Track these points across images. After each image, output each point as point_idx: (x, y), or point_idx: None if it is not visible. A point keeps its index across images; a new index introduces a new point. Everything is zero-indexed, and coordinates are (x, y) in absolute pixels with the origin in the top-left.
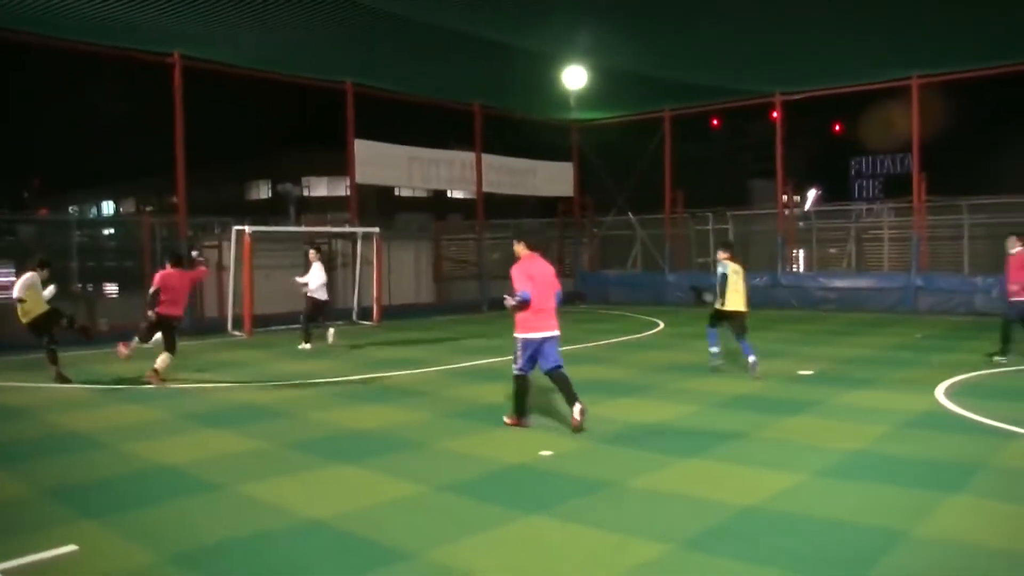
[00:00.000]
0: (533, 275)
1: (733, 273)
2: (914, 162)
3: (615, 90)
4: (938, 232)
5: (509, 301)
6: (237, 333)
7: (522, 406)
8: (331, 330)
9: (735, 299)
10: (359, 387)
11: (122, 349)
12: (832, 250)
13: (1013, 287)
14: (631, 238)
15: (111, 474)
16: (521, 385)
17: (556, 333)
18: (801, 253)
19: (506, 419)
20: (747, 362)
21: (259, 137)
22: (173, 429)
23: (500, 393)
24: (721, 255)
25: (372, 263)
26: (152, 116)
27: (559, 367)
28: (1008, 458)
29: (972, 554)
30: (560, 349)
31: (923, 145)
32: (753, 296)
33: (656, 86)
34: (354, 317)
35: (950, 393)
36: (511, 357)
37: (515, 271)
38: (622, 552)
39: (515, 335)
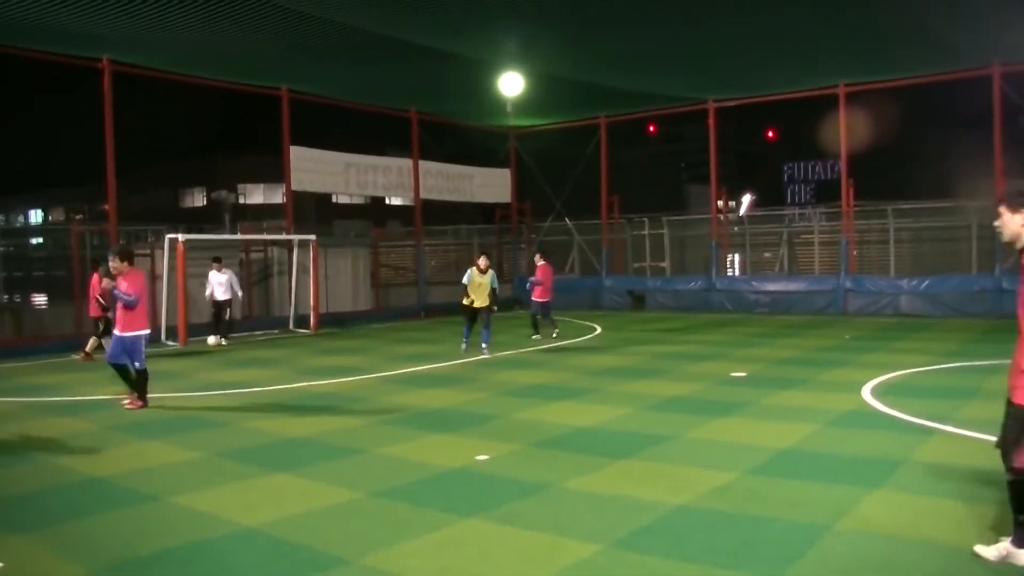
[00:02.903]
0: None
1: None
2: (842, 168)
3: (552, 96)
4: (866, 236)
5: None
6: (171, 343)
7: None
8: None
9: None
10: (295, 395)
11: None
12: (766, 254)
13: None
14: (568, 243)
15: (40, 487)
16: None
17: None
18: (736, 257)
19: None
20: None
21: (193, 143)
22: (105, 441)
23: (438, 399)
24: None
25: (309, 271)
26: (82, 122)
27: None
28: (928, 453)
29: (892, 545)
30: (498, 354)
31: (852, 152)
32: (688, 300)
33: (592, 92)
34: (291, 325)
35: (876, 392)
36: (449, 363)
37: None
38: (555, 553)
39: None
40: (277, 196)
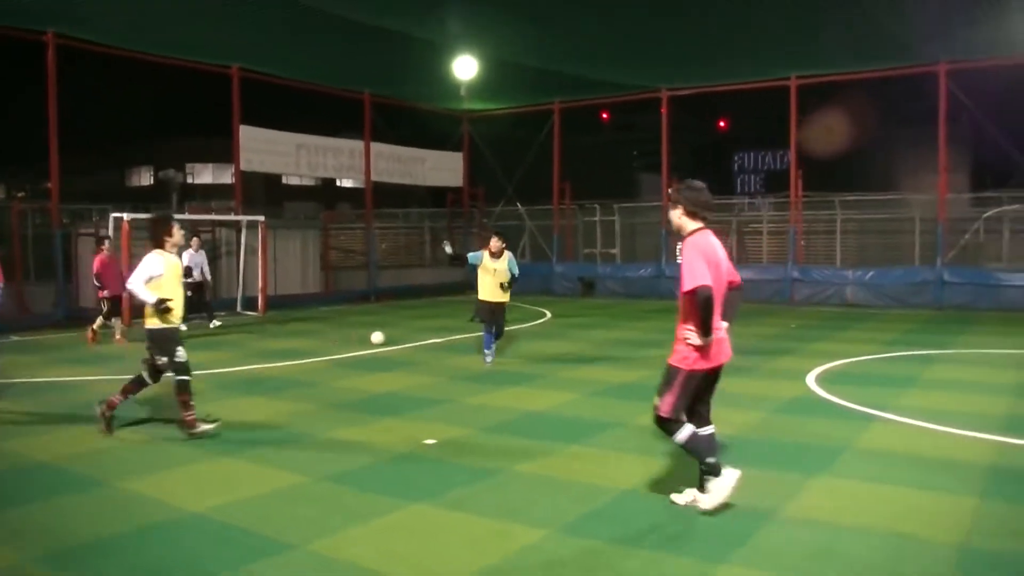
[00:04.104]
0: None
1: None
2: (791, 159)
3: (506, 81)
4: (813, 227)
5: None
6: (115, 323)
7: None
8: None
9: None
10: (243, 379)
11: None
12: None
13: None
14: (520, 228)
15: None
16: None
17: None
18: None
19: None
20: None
21: (141, 122)
22: (48, 425)
23: (388, 383)
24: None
25: (257, 252)
26: (26, 98)
27: None
28: (869, 440)
29: (833, 531)
30: (450, 339)
31: (800, 143)
32: (638, 287)
33: (547, 78)
34: (238, 308)
35: (820, 380)
36: (400, 347)
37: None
38: (503, 538)
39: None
40: (226, 176)
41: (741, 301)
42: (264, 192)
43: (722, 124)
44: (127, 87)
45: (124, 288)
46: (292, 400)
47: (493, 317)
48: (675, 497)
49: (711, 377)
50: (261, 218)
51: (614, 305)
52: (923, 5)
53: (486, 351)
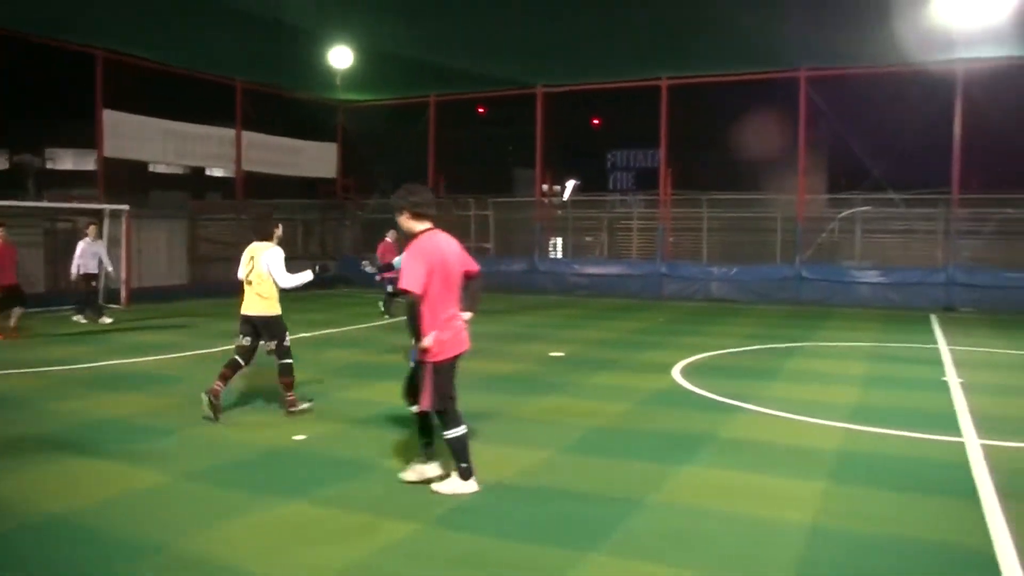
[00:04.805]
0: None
1: None
2: (661, 158)
3: (382, 72)
4: (681, 224)
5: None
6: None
7: None
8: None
9: None
10: (104, 374)
11: None
12: (587, 238)
13: None
14: (394, 221)
15: None
16: None
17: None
18: (559, 240)
19: None
20: None
21: None
22: None
23: (255, 378)
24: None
25: (121, 243)
26: None
27: None
28: (731, 430)
29: (695, 516)
30: (321, 332)
31: (671, 142)
32: (512, 282)
33: (424, 71)
34: (100, 299)
35: (686, 372)
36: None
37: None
38: (372, 532)
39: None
40: (89, 163)
41: (482, 290)
42: (129, 180)
43: (596, 122)
44: None
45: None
46: (156, 396)
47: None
48: (406, 476)
49: (453, 365)
50: (125, 207)
51: (487, 299)
52: (785, 13)
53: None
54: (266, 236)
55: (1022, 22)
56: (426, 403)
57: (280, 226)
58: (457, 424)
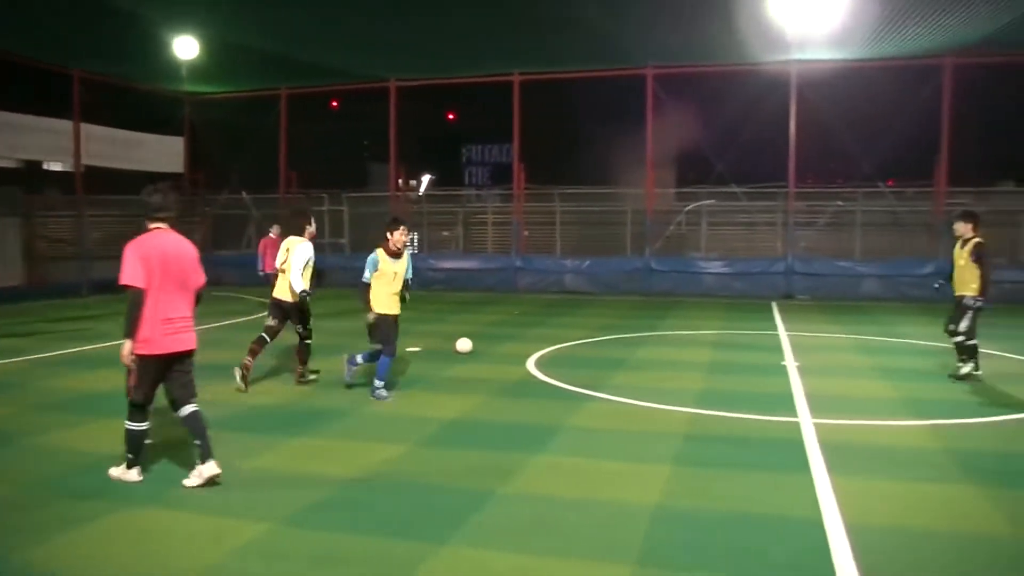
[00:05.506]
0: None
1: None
2: (515, 153)
3: (230, 63)
4: (535, 218)
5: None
6: None
7: None
8: None
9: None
10: None
11: None
12: (444, 233)
13: None
14: (246, 217)
15: None
16: None
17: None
18: (415, 235)
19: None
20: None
21: None
22: None
23: (99, 383)
24: None
25: None
26: None
27: None
28: (583, 418)
29: (548, 504)
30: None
31: (523, 137)
32: None
33: (274, 63)
34: None
35: (540, 363)
36: (113, 343)
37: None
38: (224, 535)
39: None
40: None
41: (201, 299)
42: None
43: (451, 116)
44: None
45: None
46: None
47: (393, 332)
48: (114, 471)
49: (166, 363)
50: None
51: (343, 296)
52: (631, 10)
53: (379, 385)
54: (298, 231)
55: (852, 27)
56: (129, 392)
57: (313, 223)
58: (141, 421)
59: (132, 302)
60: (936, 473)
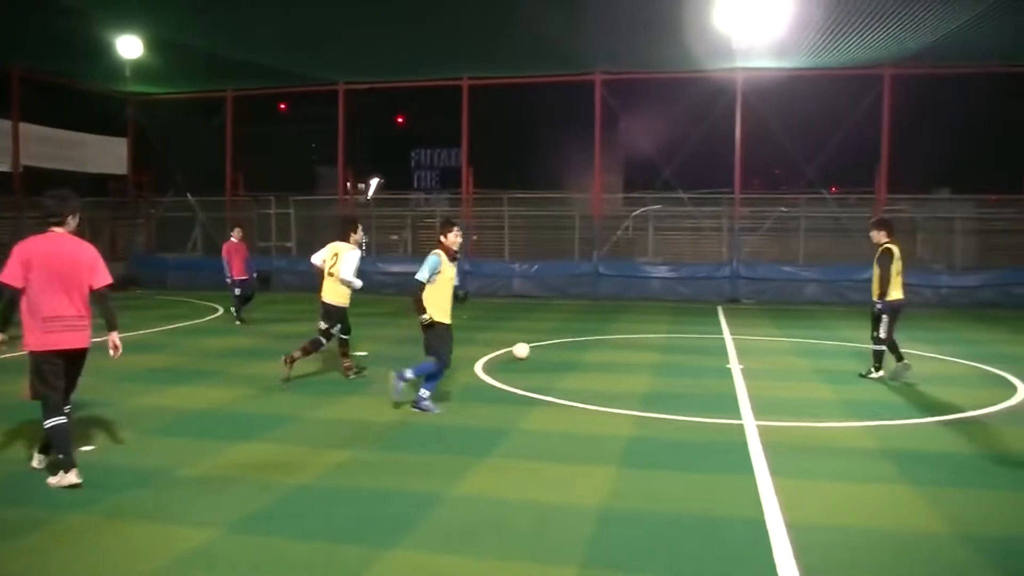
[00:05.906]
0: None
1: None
2: (463, 157)
3: (175, 64)
4: (485, 222)
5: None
6: None
7: None
8: None
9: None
10: None
11: None
12: (392, 236)
13: None
14: (191, 220)
15: None
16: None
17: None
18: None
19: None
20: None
21: None
22: None
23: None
24: None
25: None
26: None
27: None
28: (530, 422)
29: (495, 506)
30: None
31: (472, 141)
32: (315, 281)
33: (220, 64)
34: None
35: (488, 368)
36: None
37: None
38: (167, 541)
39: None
40: None
41: (110, 303)
42: None
43: (400, 120)
44: None
45: None
46: None
47: (450, 342)
48: (34, 463)
49: (58, 361)
50: None
51: (290, 300)
52: (581, 17)
53: (424, 395)
54: (344, 238)
55: (796, 37)
56: (26, 391)
57: (359, 230)
58: (57, 414)
59: (6, 299)
60: (874, 473)
